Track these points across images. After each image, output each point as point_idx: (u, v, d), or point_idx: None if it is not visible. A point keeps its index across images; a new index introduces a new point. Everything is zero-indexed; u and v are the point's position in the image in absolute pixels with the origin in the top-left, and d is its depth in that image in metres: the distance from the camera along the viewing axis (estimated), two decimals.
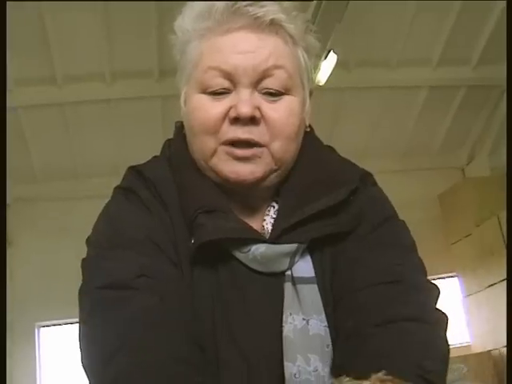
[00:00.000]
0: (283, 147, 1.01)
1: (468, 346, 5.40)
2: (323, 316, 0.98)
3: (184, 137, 1.10)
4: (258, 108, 0.99)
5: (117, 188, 1.08)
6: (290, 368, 0.92)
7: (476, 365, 4.73)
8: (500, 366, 4.78)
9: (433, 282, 1.05)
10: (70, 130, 5.00)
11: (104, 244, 1.01)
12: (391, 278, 0.99)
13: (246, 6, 1.00)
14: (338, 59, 4.53)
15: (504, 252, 4.66)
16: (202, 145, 1.02)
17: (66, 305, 4.08)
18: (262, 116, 0.99)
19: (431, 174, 5.99)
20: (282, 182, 1.07)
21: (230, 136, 0.99)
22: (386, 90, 5.41)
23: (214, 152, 1.00)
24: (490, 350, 4.92)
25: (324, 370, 0.94)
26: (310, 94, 1.11)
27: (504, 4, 4.76)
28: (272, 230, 1.03)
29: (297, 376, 0.92)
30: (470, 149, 6.25)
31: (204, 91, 1.01)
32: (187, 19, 1.06)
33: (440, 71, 5.30)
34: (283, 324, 0.95)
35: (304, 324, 0.96)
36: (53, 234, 5.17)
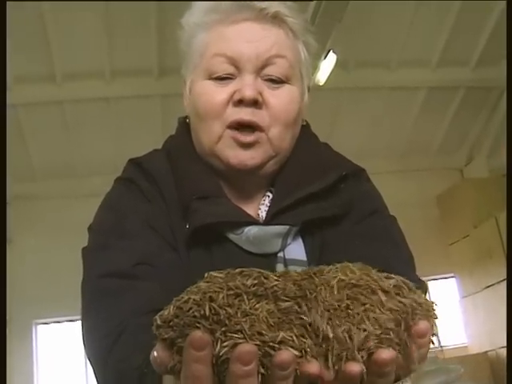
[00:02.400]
0: (281, 133, 1.06)
1: (465, 347, 5.41)
2: None
3: (186, 129, 1.14)
4: (260, 93, 1.04)
5: (117, 179, 1.13)
6: None
7: (473, 366, 4.74)
8: (496, 366, 4.80)
9: (421, 279, 1.05)
10: (69, 128, 5.00)
11: (104, 232, 1.04)
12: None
13: (250, 2, 1.06)
14: (337, 59, 4.54)
15: (502, 253, 4.68)
16: (208, 129, 1.06)
17: (63, 302, 4.10)
18: (264, 101, 1.04)
19: (430, 175, 6.01)
20: (278, 172, 1.10)
21: (234, 117, 1.03)
22: (385, 91, 5.43)
23: (220, 137, 1.04)
24: (487, 351, 4.94)
25: None
26: (308, 89, 1.14)
27: (503, 5, 4.77)
28: (266, 214, 1.06)
29: None
30: (469, 150, 6.27)
31: (209, 77, 1.06)
32: (195, 14, 1.11)
33: (439, 72, 5.31)
34: None
35: None
36: (51, 232, 5.18)
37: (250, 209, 1.08)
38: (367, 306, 0.64)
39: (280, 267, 1.02)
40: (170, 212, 1.05)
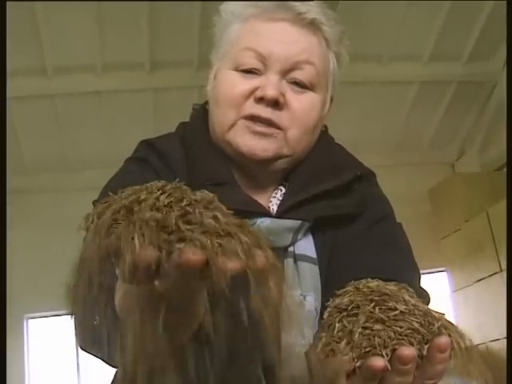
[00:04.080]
0: (299, 136, 1.07)
1: None
2: (319, 294, 1.00)
3: (202, 115, 1.16)
4: (283, 95, 1.05)
5: (128, 159, 1.13)
6: (285, 339, 0.97)
7: (463, 359, 4.75)
8: (487, 360, 4.82)
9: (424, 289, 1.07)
10: (60, 121, 4.98)
11: (107, 189, 1.03)
12: (383, 276, 1.01)
13: (291, 3, 1.07)
14: None
15: (493, 247, 4.69)
16: (223, 116, 1.07)
17: (55, 297, 4.07)
18: (286, 103, 1.05)
19: (421, 169, 6.02)
20: (291, 169, 1.12)
21: (252, 111, 1.04)
22: (377, 85, 5.42)
23: (233, 125, 1.05)
24: (478, 345, 4.95)
25: None
26: (331, 99, 1.17)
27: (495, 1, 4.78)
28: (278, 207, 1.07)
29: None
30: (460, 144, 6.28)
31: (236, 68, 1.07)
32: (234, 4, 1.12)
33: (431, 67, 5.31)
34: None
35: (301, 299, 1.00)
36: (43, 227, 5.16)
37: (261, 200, 1.08)
38: (395, 311, 0.68)
39: (290, 262, 1.03)
40: None
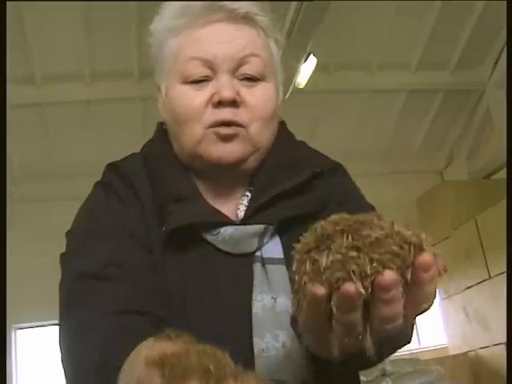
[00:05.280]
0: (260, 129, 1.07)
1: (445, 348, 5.44)
2: (290, 294, 1.01)
3: (163, 134, 1.16)
4: (238, 93, 1.05)
5: (95, 184, 1.14)
6: (258, 344, 0.96)
7: (453, 367, 4.77)
8: (477, 367, 4.83)
9: None
10: (48, 130, 4.97)
11: (79, 236, 1.04)
12: None
13: (221, 3, 1.07)
14: (317, 62, 4.55)
15: (481, 255, 4.71)
16: (190, 132, 1.06)
17: (43, 307, 4.06)
18: (242, 100, 1.06)
19: (410, 178, 6.04)
20: (255, 173, 1.11)
21: (215, 118, 1.04)
22: (366, 94, 5.45)
23: (202, 137, 1.05)
24: (467, 352, 4.97)
25: (292, 346, 0.96)
26: (281, 85, 1.18)
27: (482, 9, 4.82)
28: (244, 214, 1.07)
29: (265, 352, 0.96)
30: (449, 152, 6.32)
31: (185, 81, 1.07)
32: (164, 19, 1.12)
33: (419, 75, 5.35)
34: (252, 302, 0.99)
35: (272, 302, 1.00)
36: (31, 236, 5.13)
37: (229, 209, 1.08)
38: (370, 238, 0.64)
39: (257, 266, 1.03)
40: (146, 215, 1.04)
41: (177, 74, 1.08)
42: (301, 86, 4.62)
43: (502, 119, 5.09)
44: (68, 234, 1.07)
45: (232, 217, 1.07)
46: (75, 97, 4.78)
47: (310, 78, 4.62)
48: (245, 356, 0.95)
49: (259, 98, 1.07)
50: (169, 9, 1.12)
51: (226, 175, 1.09)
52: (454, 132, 6.11)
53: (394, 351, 0.91)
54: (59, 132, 4.99)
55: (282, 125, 1.19)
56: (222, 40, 1.07)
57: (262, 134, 1.08)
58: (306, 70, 4.55)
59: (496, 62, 5.42)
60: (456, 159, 6.26)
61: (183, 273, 1.01)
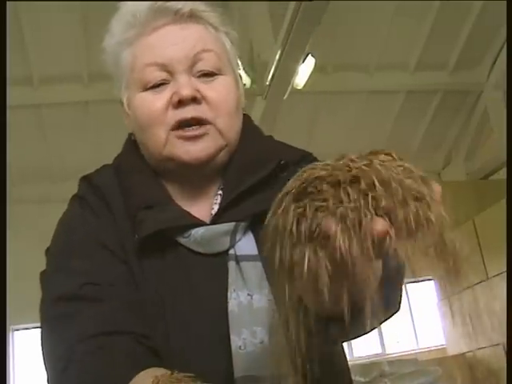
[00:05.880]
0: (227, 122, 1.07)
1: (443, 349, 5.44)
2: (267, 290, 1.01)
3: (132, 144, 1.16)
4: (197, 90, 1.05)
5: (72, 197, 1.14)
6: (235, 341, 0.96)
7: (451, 367, 4.77)
8: (474, 367, 4.83)
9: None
10: (46, 131, 4.96)
11: (56, 254, 1.05)
12: None
13: (165, 5, 1.08)
14: (315, 63, 4.55)
15: (479, 255, 4.71)
16: (154, 137, 1.06)
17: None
18: (202, 96, 1.06)
19: None
20: (225, 171, 1.11)
21: (176, 118, 1.04)
22: (364, 95, 5.46)
23: (166, 140, 1.05)
24: (465, 353, 4.97)
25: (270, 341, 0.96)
26: (240, 77, 1.17)
27: (480, 10, 4.83)
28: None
29: (242, 348, 0.96)
30: (446, 153, 6.32)
31: (145, 88, 1.07)
32: (115, 34, 1.13)
33: (417, 76, 5.35)
34: (228, 300, 0.99)
35: (249, 299, 1.00)
36: (28, 237, 5.12)
37: (203, 209, 1.08)
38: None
39: (232, 264, 1.02)
40: (118, 225, 1.05)
41: (135, 83, 1.09)
42: (299, 87, 4.62)
43: (500, 120, 5.11)
44: (47, 251, 1.08)
45: (206, 217, 1.06)
46: (73, 98, 4.78)
47: (309, 78, 4.62)
48: (223, 354, 0.95)
49: (220, 92, 1.07)
50: (117, 23, 1.14)
51: (198, 175, 1.08)
52: (452, 133, 6.11)
53: (385, 317, 0.89)
54: (57, 133, 4.99)
55: (247, 118, 1.18)
56: (173, 42, 1.08)
57: (230, 126, 1.08)
58: (305, 70, 4.54)
59: (494, 63, 5.43)
60: (454, 160, 6.27)
61: (160, 277, 1.02)
